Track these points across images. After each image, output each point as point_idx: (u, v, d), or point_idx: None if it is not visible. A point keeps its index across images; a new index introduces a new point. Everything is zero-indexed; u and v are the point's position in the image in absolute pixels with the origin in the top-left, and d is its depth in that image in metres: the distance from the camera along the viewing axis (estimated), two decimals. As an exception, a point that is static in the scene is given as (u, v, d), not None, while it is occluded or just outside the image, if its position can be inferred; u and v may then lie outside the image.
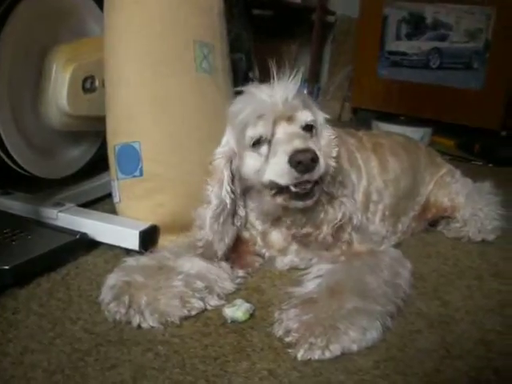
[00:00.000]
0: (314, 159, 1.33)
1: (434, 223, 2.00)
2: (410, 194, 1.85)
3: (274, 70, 1.41)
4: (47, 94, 1.84)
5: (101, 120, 1.82)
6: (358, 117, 3.57)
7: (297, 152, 1.33)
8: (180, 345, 1.28)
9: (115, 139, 1.76)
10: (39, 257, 1.55)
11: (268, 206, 1.52)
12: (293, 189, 1.39)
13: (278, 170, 1.36)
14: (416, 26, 3.33)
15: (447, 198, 1.92)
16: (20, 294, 1.45)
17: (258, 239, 1.61)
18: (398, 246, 1.76)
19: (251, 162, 1.44)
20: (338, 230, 1.52)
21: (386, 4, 3.37)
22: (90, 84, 1.91)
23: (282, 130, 1.40)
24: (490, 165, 2.88)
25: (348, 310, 1.30)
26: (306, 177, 1.34)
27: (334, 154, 1.50)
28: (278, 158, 1.36)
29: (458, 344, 1.34)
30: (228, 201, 1.51)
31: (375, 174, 1.73)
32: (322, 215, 1.51)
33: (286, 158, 1.33)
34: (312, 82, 3.86)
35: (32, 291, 1.47)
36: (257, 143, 1.41)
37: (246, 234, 1.62)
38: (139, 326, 1.33)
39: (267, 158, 1.39)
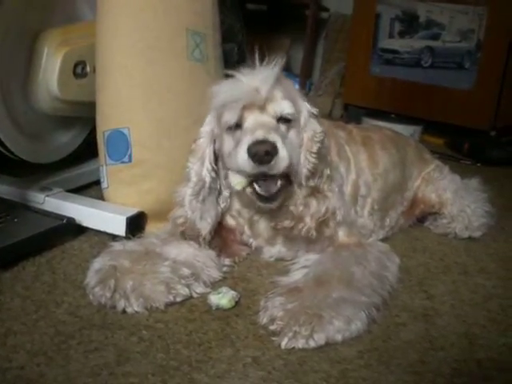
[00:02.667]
0: (270, 152, 1.30)
1: (421, 219, 2.01)
2: (399, 188, 1.85)
3: (256, 57, 1.41)
4: (38, 78, 1.83)
5: (91, 106, 1.81)
6: (348, 113, 3.57)
7: (255, 143, 1.32)
8: (164, 330, 1.28)
9: (105, 125, 1.75)
10: (25, 240, 1.55)
11: (244, 194, 1.50)
12: (257, 189, 1.39)
13: (239, 158, 1.35)
14: (409, 24, 3.33)
15: (435, 193, 1.92)
16: (4, 277, 1.45)
17: (246, 228, 1.61)
18: (385, 240, 1.77)
19: (226, 146, 1.44)
20: (321, 224, 1.50)
21: (379, 2, 3.36)
22: (81, 69, 1.90)
23: (253, 118, 1.39)
24: (479, 164, 2.89)
25: (333, 300, 1.31)
26: (264, 169, 1.33)
27: (315, 150, 1.46)
28: (240, 147, 1.35)
29: (442, 336, 1.35)
30: (208, 179, 1.51)
31: (364, 167, 1.73)
32: (301, 208, 1.48)
33: (245, 148, 1.33)
34: (304, 78, 3.86)
35: (17, 274, 1.47)
36: (232, 128, 1.41)
37: (232, 222, 1.62)
38: (124, 311, 1.33)
39: (237, 144, 1.38)
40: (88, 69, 1.91)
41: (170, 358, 1.19)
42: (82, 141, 2.12)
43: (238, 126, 1.40)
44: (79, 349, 1.19)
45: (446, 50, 3.21)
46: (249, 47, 2.95)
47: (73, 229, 1.68)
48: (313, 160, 1.46)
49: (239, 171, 1.39)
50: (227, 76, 1.44)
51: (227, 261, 1.58)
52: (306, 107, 1.49)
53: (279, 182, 1.39)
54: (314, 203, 1.48)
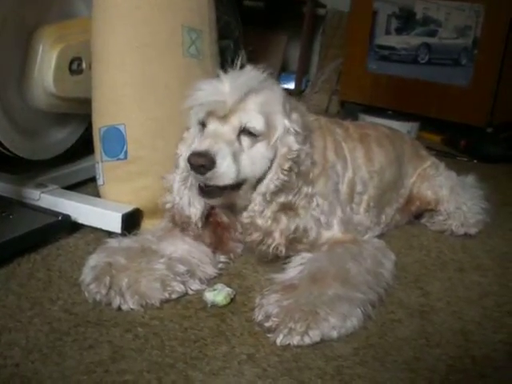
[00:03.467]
0: (205, 165, 1.31)
1: (418, 216, 2.01)
2: (394, 185, 1.85)
3: (237, 61, 1.42)
4: (33, 74, 1.82)
5: (87, 102, 1.81)
6: (345, 110, 3.56)
7: (193, 154, 1.33)
8: (159, 327, 1.28)
9: (101, 121, 1.75)
10: (20, 237, 1.54)
11: None
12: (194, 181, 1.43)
13: (186, 161, 1.37)
14: (406, 21, 3.33)
15: (431, 190, 1.92)
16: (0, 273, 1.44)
17: (238, 225, 1.60)
18: (381, 237, 1.76)
19: (197, 139, 1.46)
20: (292, 241, 1.47)
21: (376, -2, 3.37)
22: (76, 66, 1.89)
23: (212, 126, 1.39)
24: (475, 161, 2.89)
25: (329, 297, 1.31)
26: (201, 179, 1.35)
27: (286, 167, 1.42)
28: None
29: (438, 333, 1.35)
30: None
31: (361, 164, 1.72)
32: (270, 222, 1.44)
33: (186, 156, 1.37)
34: (301, 74, 3.86)
35: (12, 271, 1.46)
36: (200, 125, 1.44)
37: (226, 219, 1.61)
38: (119, 308, 1.33)
39: None
40: (84, 65, 1.90)
41: (166, 355, 1.19)
42: (77, 137, 2.11)
43: (205, 125, 1.42)
44: (74, 346, 1.19)
45: (442, 46, 3.21)
46: (246, 46, 2.94)
47: (68, 225, 1.68)
48: (282, 177, 1.43)
49: None
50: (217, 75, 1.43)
51: (223, 257, 1.57)
52: (283, 123, 1.44)
53: (225, 191, 1.40)
54: (283, 219, 1.45)
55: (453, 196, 1.92)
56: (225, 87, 1.37)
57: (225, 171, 1.33)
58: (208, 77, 1.77)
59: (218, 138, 1.36)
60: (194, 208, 1.53)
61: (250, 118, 1.38)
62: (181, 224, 1.54)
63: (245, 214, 1.47)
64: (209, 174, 1.32)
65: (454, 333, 1.36)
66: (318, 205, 1.49)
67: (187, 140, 1.52)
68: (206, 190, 1.39)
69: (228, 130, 1.38)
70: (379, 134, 1.86)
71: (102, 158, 1.75)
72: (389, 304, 1.45)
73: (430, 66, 3.24)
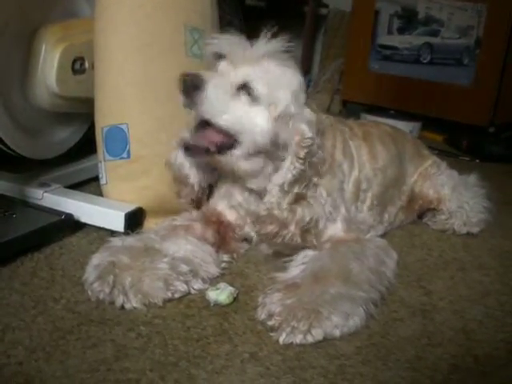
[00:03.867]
0: (191, 82, 1.34)
1: (420, 215, 2.01)
2: (397, 183, 1.85)
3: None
4: (36, 73, 1.82)
5: (89, 102, 1.81)
6: (347, 109, 3.56)
7: (186, 73, 1.37)
8: (162, 326, 1.28)
9: (103, 121, 1.75)
10: (23, 236, 1.54)
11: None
12: (186, 134, 1.45)
13: None
14: (408, 20, 3.33)
15: (433, 189, 1.92)
16: (3, 273, 1.44)
17: (248, 220, 1.60)
18: (384, 236, 1.77)
19: None
20: (305, 232, 1.48)
21: (378, -2, 3.37)
22: (79, 65, 1.89)
23: (220, 68, 1.43)
24: (477, 160, 2.89)
25: (331, 295, 1.31)
26: (188, 101, 1.37)
27: (302, 155, 1.42)
28: None
29: (440, 332, 1.35)
30: None
31: (365, 162, 1.72)
32: (286, 214, 1.44)
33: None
34: (303, 74, 3.86)
35: (15, 270, 1.47)
36: None
37: (232, 217, 1.62)
38: (122, 307, 1.33)
39: None
40: (86, 65, 1.90)
41: (168, 354, 1.19)
42: (80, 137, 2.11)
43: None
44: (77, 344, 1.19)
45: (445, 46, 3.21)
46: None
47: (71, 225, 1.68)
48: (298, 166, 1.43)
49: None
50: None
51: (225, 257, 1.58)
52: (286, 103, 1.43)
53: (211, 144, 1.42)
54: (299, 210, 1.45)
55: (455, 195, 1.92)
56: (249, 43, 1.40)
57: (213, 99, 1.35)
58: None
59: (217, 74, 1.39)
60: (195, 170, 1.55)
61: (256, 79, 1.39)
62: (178, 183, 1.56)
63: (262, 206, 1.47)
64: (196, 98, 1.34)
65: (456, 332, 1.36)
66: (322, 195, 1.50)
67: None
68: (189, 147, 1.43)
69: (232, 76, 1.40)
70: (381, 132, 1.86)
71: (104, 158, 1.75)
72: (391, 303, 1.45)
73: (432, 65, 3.24)
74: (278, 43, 1.41)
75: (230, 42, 1.41)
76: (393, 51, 3.37)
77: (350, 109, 3.53)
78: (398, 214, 1.90)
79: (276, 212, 1.44)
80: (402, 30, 3.36)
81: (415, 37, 3.31)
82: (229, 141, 1.43)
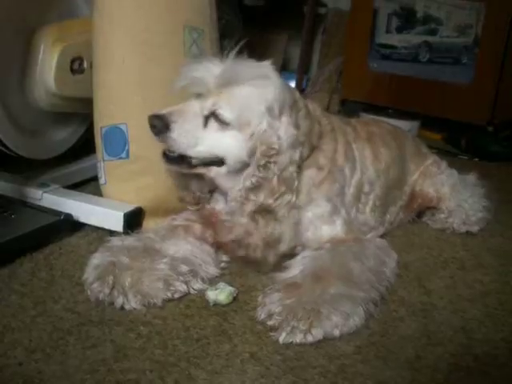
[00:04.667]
0: (157, 126, 1.41)
1: (419, 214, 2.01)
2: (398, 183, 1.85)
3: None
4: (34, 73, 1.82)
5: (88, 102, 1.80)
6: (345, 108, 3.56)
7: (153, 115, 1.42)
8: (162, 326, 1.28)
9: (102, 121, 1.75)
10: (22, 236, 1.54)
11: None
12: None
13: None
14: (406, 19, 3.32)
15: (432, 188, 1.91)
16: (2, 273, 1.45)
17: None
18: (383, 236, 1.76)
19: None
20: (267, 246, 1.46)
21: (377, -3, 3.37)
22: (78, 65, 1.89)
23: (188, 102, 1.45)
24: (476, 159, 2.89)
25: (331, 295, 1.31)
26: (158, 140, 1.43)
27: (262, 163, 1.41)
28: None
29: (440, 332, 1.35)
30: None
31: (368, 165, 1.71)
32: (246, 220, 1.43)
33: None
34: (301, 74, 3.85)
35: (14, 270, 1.47)
36: None
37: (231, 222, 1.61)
38: (122, 307, 1.33)
39: None
40: (85, 65, 1.90)
41: (168, 354, 1.19)
42: (79, 137, 2.11)
43: None
44: (77, 345, 1.20)
45: (443, 45, 3.20)
46: (246, 45, 2.95)
47: (70, 225, 1.68)
48: (257, 173, 1.42)
49: None
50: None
51: (225, 257, 1.57)
52: (259, 123, 1.42)
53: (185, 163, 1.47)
54: (260, 221, 1.44)
55: (454, 194, 1.92)
56: (214, 69, 1.41)
57: (177, 138, 1.41)
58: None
59: (185, 109, 1.43)
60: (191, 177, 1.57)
61: (224, 106, 1.41)
62: (181, 190, 1.60)
63: (225, 211, 1.50)
64: (161, 137, 1.42)
65: (455, 331, 1.36)
66: (296, 217, 1.48)
67: None
68: (166, 156, 1.47)
69: (198, 106, 1.43)
70: (383, 131, 1.86)
71: (103, 158, 1.75)
72: (391, 302, 1.45)
73: (430, 64, 3.23)
74: (250, 65, 1.43)
75: (194, 77, 1.44)
76: (391, 50, 3.36)
77: (348, 108, 3.52)
78: (399, 213, 1.89)
79: (237, 218, 1.45)
80: (400, 29, 3.35)
81: (414, 36, 3.30)
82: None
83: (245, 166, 1.46)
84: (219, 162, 1.46)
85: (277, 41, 3.92)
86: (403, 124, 2.97)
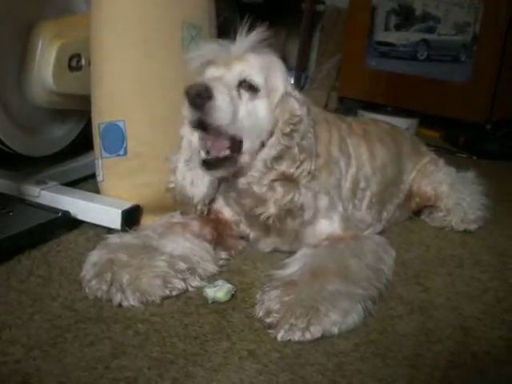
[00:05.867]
0: (201, 93, 1.29)
1: (417, 212, 2.01)
2: (395, 181, 1.85)
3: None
4: (32, 70, 1.81)
5: (86, 99, 1.80)
6: (344, 106, 3.56)
7: (191, 85, 1.32)
8: (160, 323, 1.28)
9: (100, 118, 1.75)
10: (20, 233, 1.54)
11: None
12: (202, 154, 1.40)
13: (184, 106, 1.35)
14: (405, 17, 3.32)
15: (430, 186, 1.92)
16: (0, 271, 1.44)
17: (243, 217, 1.60)
18: (381, 233, 1.77)
19: None
20: (286, 215, 1.47)
21: (375, -5, 3.37)
22: (76, 62, 1.88)
23: (210, 72, 1.41)
24: (474, 157, 2.89)
25: (330, 293, 1.31)
26: (198, 114, 1.31)
27: (287, 131, 1.43)
28: None
29: (438, 329, 1.35)
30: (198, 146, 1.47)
31: (364, 161, 1.72)
32: (265, 189, 1.43)
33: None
34: (300, 71, 3.85)
35: (12, 268, 1.46)
36: None
37: (229, 214, 1.61)
38: (120, 305, 1.33)
39: None
40: (83, 62, 1.89)
41: (166, 352, 1.19)
42: (77, 134, 2.11)
43: None
44: (75, 342, 1.19)
45: (441, 43, 3.21)
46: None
47: (68, 222, 1.67)
48: (283, 141, 1.43)
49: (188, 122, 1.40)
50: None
51: (223, 254, 1.57)
52: (283, 86, 1.45)
53: (226, 151, 1.39)
54: (279, 189, 1.43)
55: (452, 192, 1.92)
56: (228, 44, 1.40)
57: (221, 105, 1.31)
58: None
59: (214, 78, 1.37)
60: (197, 189, 1.55)
61: (252, 72, 1.40)
62: (181, 205, 1.56)
63: (242, 180, 1.47)
64: (206, 107, 1.30)
65: (454, 328, 1.36)
66: (316, 189, 1.49)
67: None
68: (208, 162, 1.39)
69: (228, 77, 1.39)
70: (380, 130, 1.87)
71: (101, 155, 1.75)
72: (389, 300, 1.45)
73: (429, 62, 3.24)
74: (257, 35, 1.41)
75: (212, 48, 1.41)
76: (389, 48, 3.37)
77: (347, 105, 3.53)
78: (396, 211, 1.89)
79: (255, 187, 1.45)
80: (398, 27, 3.35)
81: (412, 33, 3.30)
82: (235, 141, 1.41)
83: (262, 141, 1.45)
84: (239, 142, 1.41)
85: (275, 38, 3.91)
86: (401, 122, 2.98)
